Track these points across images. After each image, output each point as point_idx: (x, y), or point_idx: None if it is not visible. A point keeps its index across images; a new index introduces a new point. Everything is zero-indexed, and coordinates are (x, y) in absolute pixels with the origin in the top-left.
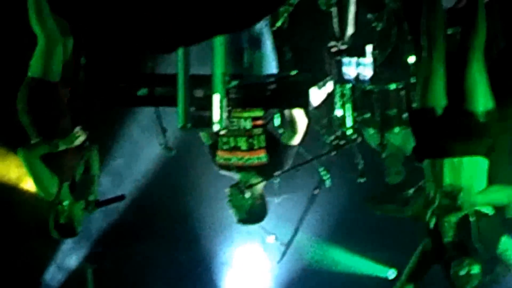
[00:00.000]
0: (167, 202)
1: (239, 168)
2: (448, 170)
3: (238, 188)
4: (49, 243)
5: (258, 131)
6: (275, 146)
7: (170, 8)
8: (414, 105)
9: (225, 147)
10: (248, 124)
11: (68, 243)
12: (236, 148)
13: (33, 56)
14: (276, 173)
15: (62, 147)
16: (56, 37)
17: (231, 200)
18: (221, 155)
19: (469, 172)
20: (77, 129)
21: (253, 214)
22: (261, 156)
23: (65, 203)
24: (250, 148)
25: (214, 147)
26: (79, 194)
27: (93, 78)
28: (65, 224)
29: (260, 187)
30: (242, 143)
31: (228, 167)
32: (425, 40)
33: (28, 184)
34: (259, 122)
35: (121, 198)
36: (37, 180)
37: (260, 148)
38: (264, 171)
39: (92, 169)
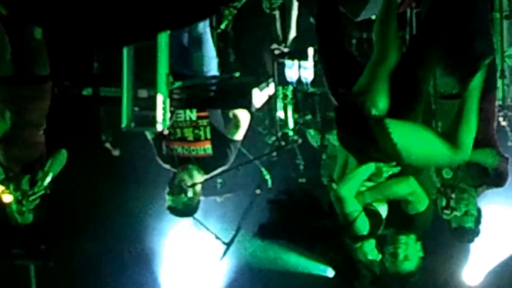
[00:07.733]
0: (106, 197)
1: (183, 160)
2: None
3: (180, 186)
4: None
5: (203, 122)
6: (220, 139)
7: (113, 6)
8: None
9: (171, 137)
10: (193, 115)
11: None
12: (182, 139)
13: None
14: (218, 171)
15: None
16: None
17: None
18: (167, 145)
19: None
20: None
21: (187, 209)
22: (206, 147)
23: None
24: (196, 139)
25: (158, 140)
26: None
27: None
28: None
29: (200, 184)
30: (189, 134)
31: (172, 158)
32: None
33: None
34: (204, 113)
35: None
36: None
37: (206, 139)
38: (207, 165)
39: (51, 166)
